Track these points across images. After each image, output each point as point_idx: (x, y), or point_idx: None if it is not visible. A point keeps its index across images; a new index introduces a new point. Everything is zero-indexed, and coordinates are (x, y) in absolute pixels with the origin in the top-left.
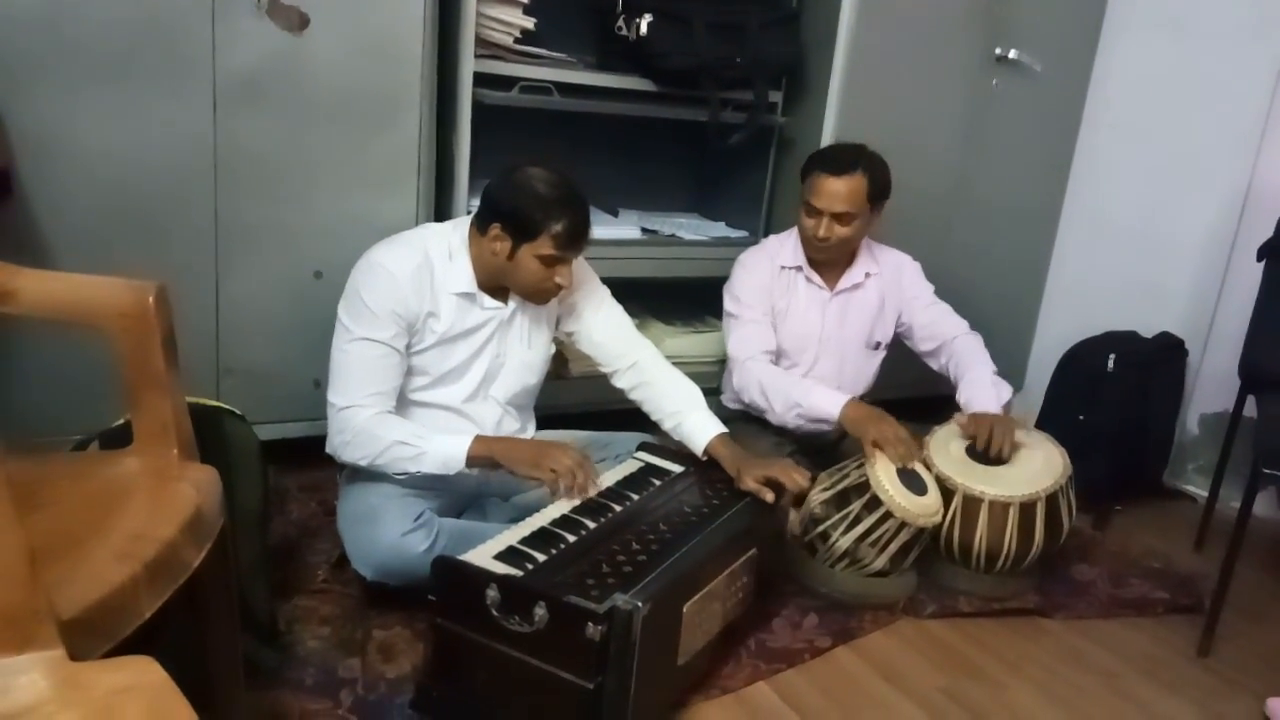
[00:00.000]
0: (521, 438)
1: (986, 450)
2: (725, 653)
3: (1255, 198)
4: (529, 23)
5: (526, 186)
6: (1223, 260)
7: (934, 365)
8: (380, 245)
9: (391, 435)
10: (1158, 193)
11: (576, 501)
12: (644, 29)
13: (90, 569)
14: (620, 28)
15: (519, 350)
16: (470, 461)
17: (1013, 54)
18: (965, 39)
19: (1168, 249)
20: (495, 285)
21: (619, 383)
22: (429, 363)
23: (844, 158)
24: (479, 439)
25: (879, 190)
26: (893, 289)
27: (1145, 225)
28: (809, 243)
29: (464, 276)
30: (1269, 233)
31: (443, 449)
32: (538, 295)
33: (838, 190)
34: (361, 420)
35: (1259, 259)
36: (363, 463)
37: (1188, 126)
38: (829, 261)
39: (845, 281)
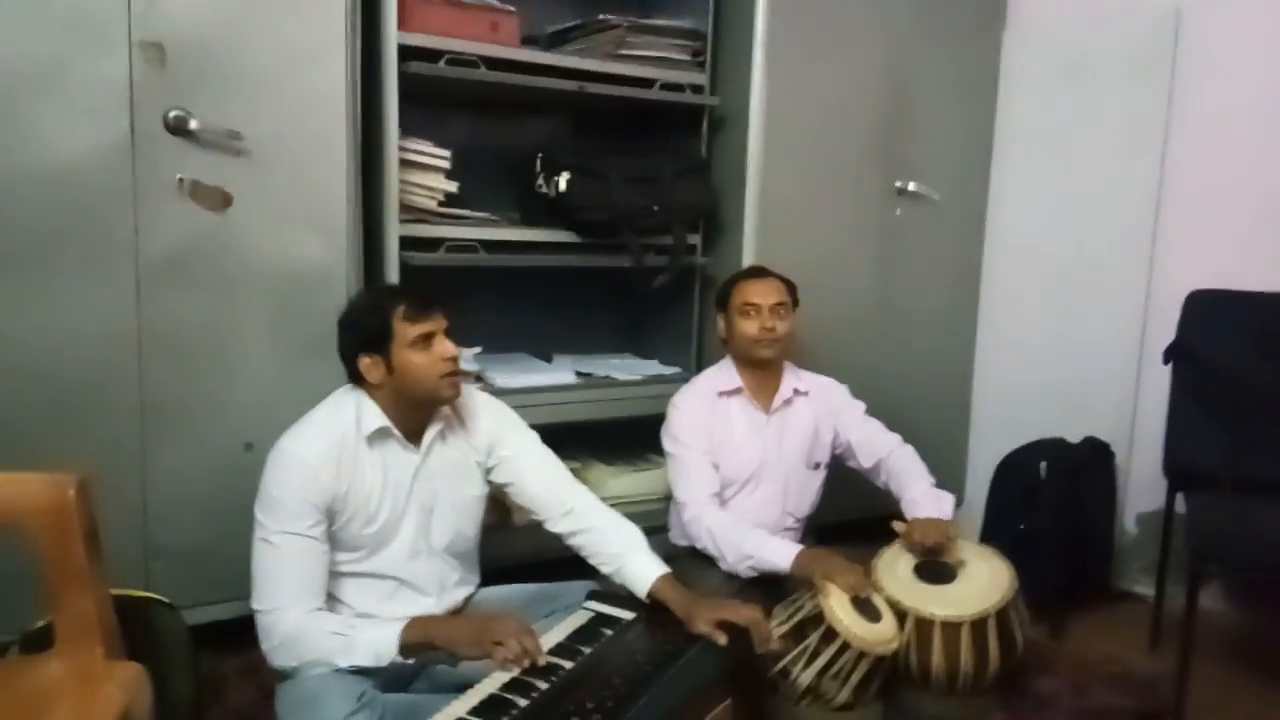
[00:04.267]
0: (456, 617)
1: (933, 568)
2: None
3: (1155, 302)
4: (451, 186)
5: (351, 312)
6: (1134, 364)
7: (876, 482)
8: (289, 433)
9: (322, 628)
10: (1065, 304)
11: (529, 665)
12: (563, 185)
13: None
14: (540, 185)
15: (446, 493)
16: (405, 650)
17: (912, 186)
18: (866, 174)
19: (1082, 356)
20: (407, 426)
21: (556, 529)
22: (356, 533)
23: (756, 269)
24: (412, 623)
25: (792, 291)
26: (824, 410)
27: (1057, 335)
28: (755, 343)
29: (374, 416)
30: (1172, 335)
31: (372, 640)
32: (443, 385)
33: (769, 286)
34: (288, 624)
35: (1165, 362)
36: (294, 665)
37: (1083, 241)
38: (771, 365)
39: (778, 400)
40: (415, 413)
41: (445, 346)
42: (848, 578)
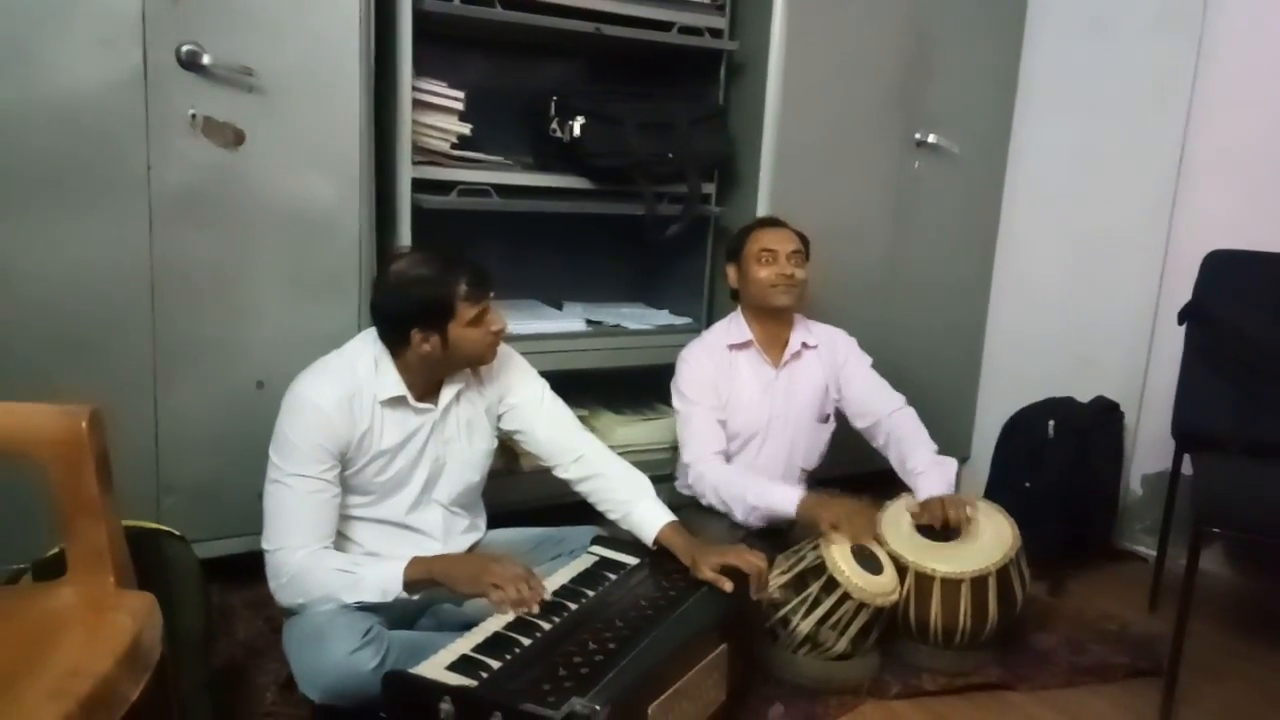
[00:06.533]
0: (459, 554)
1: (942, 526)
2: None
3: (1172, 262)
4: (465, 129)
5: (407, 281)
6: (1149, 324)
7: (873, 443)
8: (305, 376)
9: (327, 566)
10: (1081, 262)
11: (525, 611)
12: (577, 131)
13: (21, 710)
14: (554, 130)
15: (459, 448)
16: (409, 586)
17: (931, 138)
18: (885, 126)
19: (1096, 315)
20: (426, 385)
21: (565, 475)
22: (369, 479)
23: (770, 219)
24: (415, 561)
25: (805, 243)
26: (831, 363)
27: (1072, 293)
28: (772, 289)
29: (391, 383)
30: (1188, 296)
31: (378, 577)
32: (488, 353)
33: (785, 234)
34: (295, 562)
35: (1180, 322)
36: (301, 601)
37: (1103, 198)
38: (784, 315)
39: (787, 354)
40: (443, 376)
41: (497, 319)
42: (854, 523)
